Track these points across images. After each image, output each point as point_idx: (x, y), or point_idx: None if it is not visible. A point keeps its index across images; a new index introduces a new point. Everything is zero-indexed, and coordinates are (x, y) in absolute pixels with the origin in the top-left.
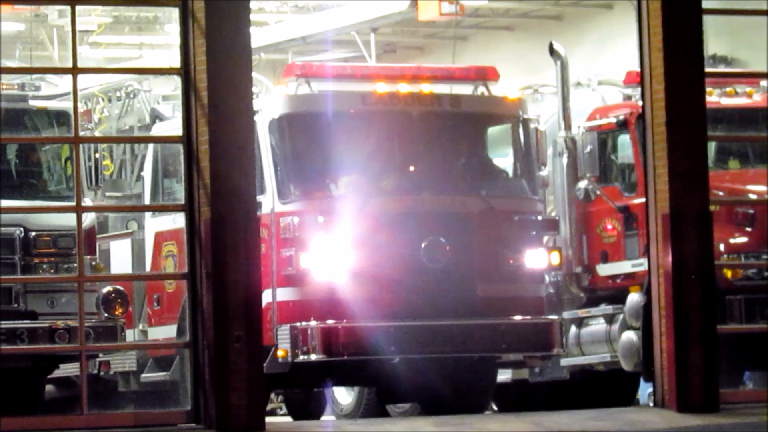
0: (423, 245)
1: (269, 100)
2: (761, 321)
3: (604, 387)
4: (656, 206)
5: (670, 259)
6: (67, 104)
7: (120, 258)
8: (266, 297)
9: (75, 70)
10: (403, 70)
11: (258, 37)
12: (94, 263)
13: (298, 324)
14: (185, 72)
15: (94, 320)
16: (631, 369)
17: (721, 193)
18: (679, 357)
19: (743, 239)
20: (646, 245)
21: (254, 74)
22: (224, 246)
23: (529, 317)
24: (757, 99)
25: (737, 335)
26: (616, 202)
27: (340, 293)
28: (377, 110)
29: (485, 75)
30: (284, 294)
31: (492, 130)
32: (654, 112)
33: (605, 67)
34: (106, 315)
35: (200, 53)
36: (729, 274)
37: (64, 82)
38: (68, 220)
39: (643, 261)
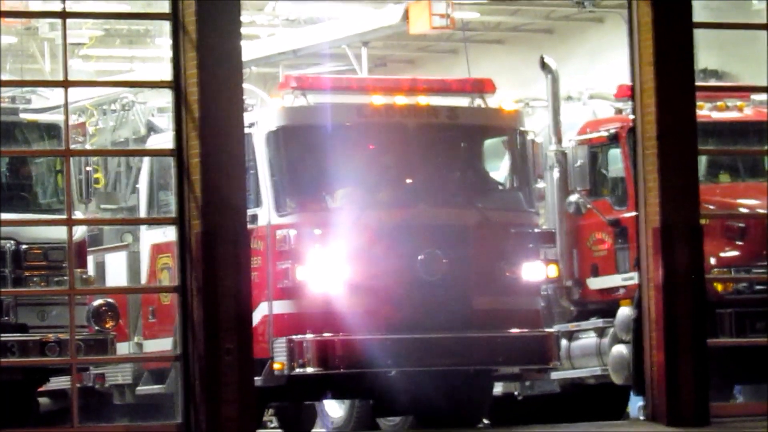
0: (419, 258)
1: (265, 112)
2: (752, 334)
3: (595, 400)
4: (647, 220)
5: (660, 272)
6: (58, 117)
7: (115, 271)
8: (262, 310)
9: (66, 83)
10: (399, 82)
11: (249, 51)
12: (84, 276)
13: (294, 337)
14: (176, 85)
15: (85, 333)
16: (622, 382)
17: (711, 207)
18: (669, 370)
19: (734, 253)
20: (636, 259)
21: (249, 86)
22: (215, 259)
23: (525, 330)
24: (747, 113)
25: (728, 349)
26: (606, 216)
27: (337, 306)
28: (374, 122)
29: (482, 87)
30: (280, 307)
31: (489, 143)
32: (645, 126)
33: (596, 81)
34: (96, 328)
35: (191, 66)
36: (720, 287)
37: (55, 95)
38: (59, 233)
39: (634, 274)
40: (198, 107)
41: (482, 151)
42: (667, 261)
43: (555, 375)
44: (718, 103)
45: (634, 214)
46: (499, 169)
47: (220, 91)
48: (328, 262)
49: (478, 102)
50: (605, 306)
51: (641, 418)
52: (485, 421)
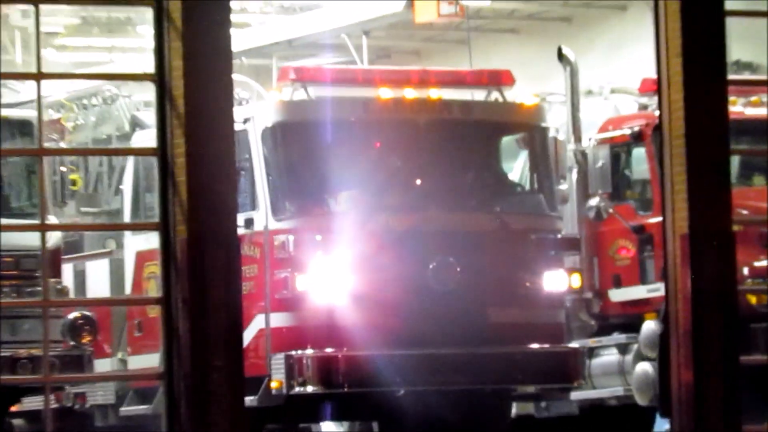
0: (431, 266)
1: (262, 106)
2: None
3: (617, 423)
4: (674, 226)
5: (689, 283)
6: (30, 113)
7: (97, 280)
8: (258, 323)
9: (39, 76)
10: (408, 73)
11: (240, 40)
12: (59, 287)
13: (293, 352)
14: (160, 78)
15: (59, 349)
16: (646, 403)
17: (745, 212)
18: (698, 390)
19: None
20: (662, 268)
21: (245, 79)
22: (203, 268)
23: (547, 345)
24: None
25: (762, 367)
26: (630, 222)
27: (340, 319)
28: (380, 118)
29: (499, 79)
30: (279, 319)
31: (507, 140)
32: (672, 124)
33: (619, 74)
34: (72, 343)
35: (176, 57)
36: (753, 300)
37: (28, 89)
38: (32, 239)
39: (660, 285)
40: (183, 102)
41: (499, 149)
42: (695, 271)
43: (574, 395)
44: (752, 99)
45: (659, 219)
46: (518, 170)
47: (208, 85)
48: (331, 270)
49: (494, 96)
50: (628, 320)
51: None
52: None
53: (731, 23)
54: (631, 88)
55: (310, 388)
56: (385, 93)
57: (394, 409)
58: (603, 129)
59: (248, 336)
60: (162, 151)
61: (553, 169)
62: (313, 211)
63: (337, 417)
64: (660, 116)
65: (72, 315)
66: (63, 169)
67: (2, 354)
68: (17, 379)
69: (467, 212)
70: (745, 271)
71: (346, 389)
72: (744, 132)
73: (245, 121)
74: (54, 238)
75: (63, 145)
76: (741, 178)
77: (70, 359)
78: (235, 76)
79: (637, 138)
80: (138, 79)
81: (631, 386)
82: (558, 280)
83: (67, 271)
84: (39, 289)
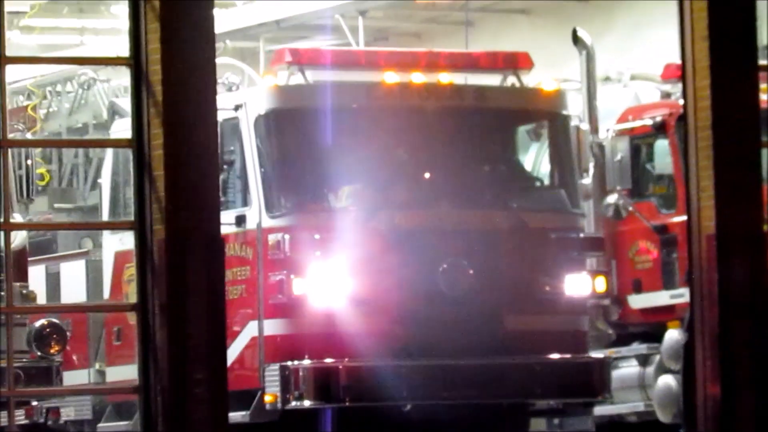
0: (441, 269)
1: (255, 92)
2: None
3: None
4: (700, 226)
5: (716, 288)
6: None
7: (72, 283)
8: (251, 330)
9: (2, 60)
10: (416, 56)
11: (223, 21)
12: (25, 291)
13: (289, 363)
14: (136, 62)
15: (25, 360)
16: (670, 420)
17: None
18: (726, 405)
19: None
20: (687, 272)
21: (235, 62)
22: (183, 271)
23: (568, 355)
24: None
25: None
26: (651, 221)
27: (341, 326)
28: (386, 105)
29: (516, 63)
30: (273, 327)
31: (524, 130)
32: (697, 114)
33: (639, 59)
34: (39, 353)
35: (154, 40)
36: None
37: None
38: None
39: (684, 291)
40: (162, 89)
41: (517, 140)
42: (723, 275)
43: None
44: None
45: (684, 218)
46: (537, 162)
47: (189, 70)
48: (331, 273)
49: (511, 80)
50: (650, 329)
51: None
52: None
53: (763, 3)
54: (653, 75)
55: (307, 403)
56: (391, 77)
57: (399, 426)
58: (622, 119)
59: (239, 345)
60: (138, 143)
61: (575, 162)
62: (312, 207)
63: None
64: (684, 105)
65: (39, 323)
66: (29, 162)
67: None
68: None
69: (481, 209)
70: None
71: (347, 403)
72: None
73: (236, 108)
74: (19, 238)
75: (29, 135)
76: None
77: (36, 371)
78: (224, 59)
79: (660, 129)
80: (112, 64)
81: (652, 401)
82: (580, 284)
83: (39, 273)
84: (2, 293)
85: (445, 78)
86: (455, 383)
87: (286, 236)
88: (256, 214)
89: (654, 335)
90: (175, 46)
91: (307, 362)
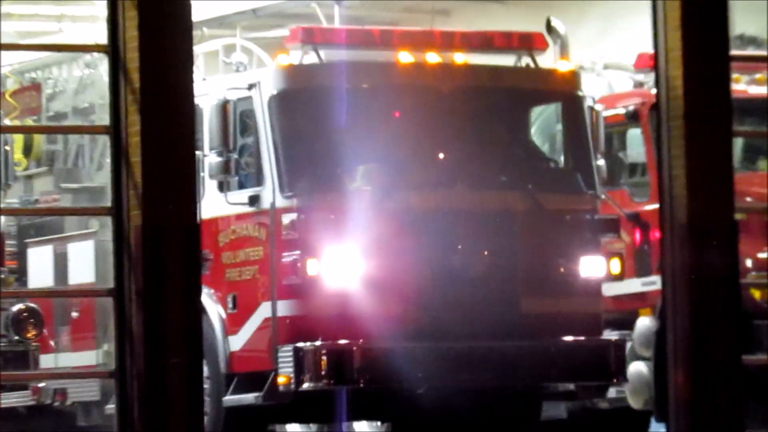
0: (456, 250)
1: (269, 71)
2: None
3: (609, 428)
4: (672, 214)
5: (688, 276)
6: None
7: (80, 263)
8: (264, 311)
9: None
10: (431, 35)
11: (200, 10)
12: (2, 276)
13: (303, 344)
14: (113, 50)
15: (2, 343)
16: (641, 407)
17: (749, 199)
18: (697, 392)
19: None
20: (659, 260)
21: (244, 42)
22: (158, 257)
23: (584, 338)
24: None
25: (766, 367)
26: (624, 209)
27: (355, 307)
28: (400, 84)
29: (531, 43)
30: (286, 308)
31: (540, 110)
32: (670, 103)
33: (613, 49)
34: (16, 338)
35: (131, 27)
36: (757, 294)
37: None
38: None
39: (656, 279)
40: (139, 76)
41: (532, 120)
42: (695, 263)
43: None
44: (757, 76)
45: (656, 207)
46: (553, 143)
47: (166, 58)
48: (345, 253)
49: (526, 61)
50: (621, 316)
51: None
52: None
53: None
54: (626, 64)
55: (321, 384)
56: (405, 57)
57: (413, 409)
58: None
59: (252, 326)
60: (115, 129)
61: (591, 143)
62: (326, 187)
63: (350, 416)
64: (657, 94)
65: (16, 307)
66: (7, 147)
67: None
68: None
69: (497, 190)
70: (749, 263)
71: (361, 385)
72: (748, 112)
73: (250, 87)
74: None
75: (7, 122)
76: (745, 163)
77: (12, 355)
78: (235, 40)
79: (633, 118)
80: (89, 51)
81: (624, 388)
82: (596, 266)
83: (47, 253)
84: None
85: (460, 58)
86: (470, 366)
87: (300, 216)
88: (269, 194)
89: (626, 323)
90: (153, 33)
91: (321, 343)
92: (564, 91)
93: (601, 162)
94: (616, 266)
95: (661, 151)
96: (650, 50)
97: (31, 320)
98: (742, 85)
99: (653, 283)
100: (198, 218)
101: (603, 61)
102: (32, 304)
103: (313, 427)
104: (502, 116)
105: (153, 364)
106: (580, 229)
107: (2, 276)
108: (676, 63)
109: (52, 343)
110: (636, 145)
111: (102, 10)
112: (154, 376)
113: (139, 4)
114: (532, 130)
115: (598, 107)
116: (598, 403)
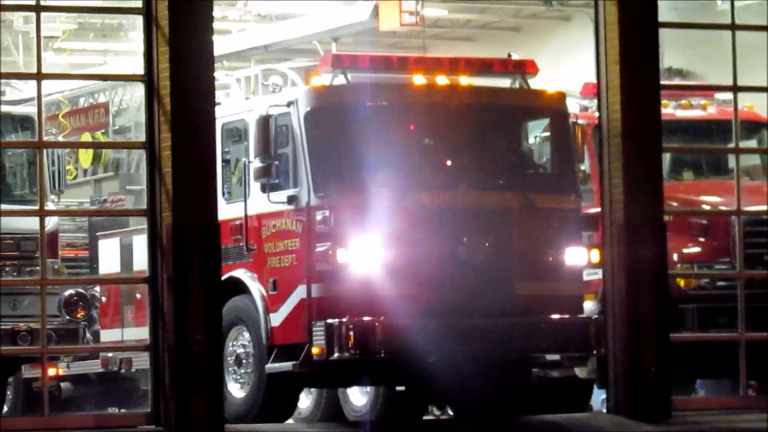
0: (461, 241)
1: (305, 91)
2: (713, 330)
3: (559, 394)
4: (611, 216)
5: (624, 267)
6: (31, 109)
7: (142, 253)
8: (300, 293)
9: (39, 76)
10: (440, 61)
11: (221, 45)
12: (56, 266)
13: (333, 321)
14: (148, 79)
15: (56, 322)
16: (586, 376)
17: (675, 204)
18: (632, 364)
19: (696, 249)
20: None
21: (282, 68)
22: (185, 251)
23: (568, 316)
24: (711, 111)
25: (690, 344)
26: None
27: (377, 290)
28: (414, 102)
29: (524, 68)
30: (319, 290)
31: (531, 125)
32: (610, 124)
33: (563, 79)
34: (67, 318)
35: (163, 60)
36: (682, 283)
37: (29, 88)
38: (32, 223)
39: (598, 270)
40: (170, 101)
41: (524, 133)
42: (631, 257)
43: None
44: (683, 102)
45: (599, 210)
46: (542, 152)
47: (192, 85)
48: (368, 244)
49: (519, 83)
50: None
51: (604, 411)
52: (450, 412)
53: (664, 33)
54: (574, 92)
55: (347, 355)
56: (419, 79)
57: (424, 375)
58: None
59: (290, 305)
60: (150, 145)
61: (573, 152)
62: (352, 188)
63: (371, 382)
64: (599, 117)
65: (67, 292)
66: (61, 160)
67: (3, 327)
68: (17, 349)
69: (495, 191)
70: (675, 257)
71: (382, 355)
72: (675, 131)
73: (288, 104)
74: (51, 222)
75: (61, 138)
76: (672, 173)
77: (65, 332)
78: (275, 65)
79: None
80: (129, 80)
81: None
82: (578, 255)
83: (114, 245)
84: (37, 268)
85: (464, 80)
86: (473, 339)
87: (331, 213)
88: (305, 194)
89: None
90: (181, 65)
91: (348, 320)
92: (552, 109)
93: (583, 167)
94: (595, 256)
95: (602, 163)
96: (594, 80)
97: (80, 303)
98: (670, 109)
99: (596, 273)
100: (216, 218)
101: (555, 89)
102: (81, 290)
103: (314, 392)
104: (499, 129)
105: (180, 339)
106: (565, 224)
107: (56, 267)
108: (615, 91)
109: (118, 318)
110: (583, 158)
111: (139, 46)
112: (181, 349)
113: (170, 41)
114: (529, 141)
115: (581, 122)
116: (549, 372)
